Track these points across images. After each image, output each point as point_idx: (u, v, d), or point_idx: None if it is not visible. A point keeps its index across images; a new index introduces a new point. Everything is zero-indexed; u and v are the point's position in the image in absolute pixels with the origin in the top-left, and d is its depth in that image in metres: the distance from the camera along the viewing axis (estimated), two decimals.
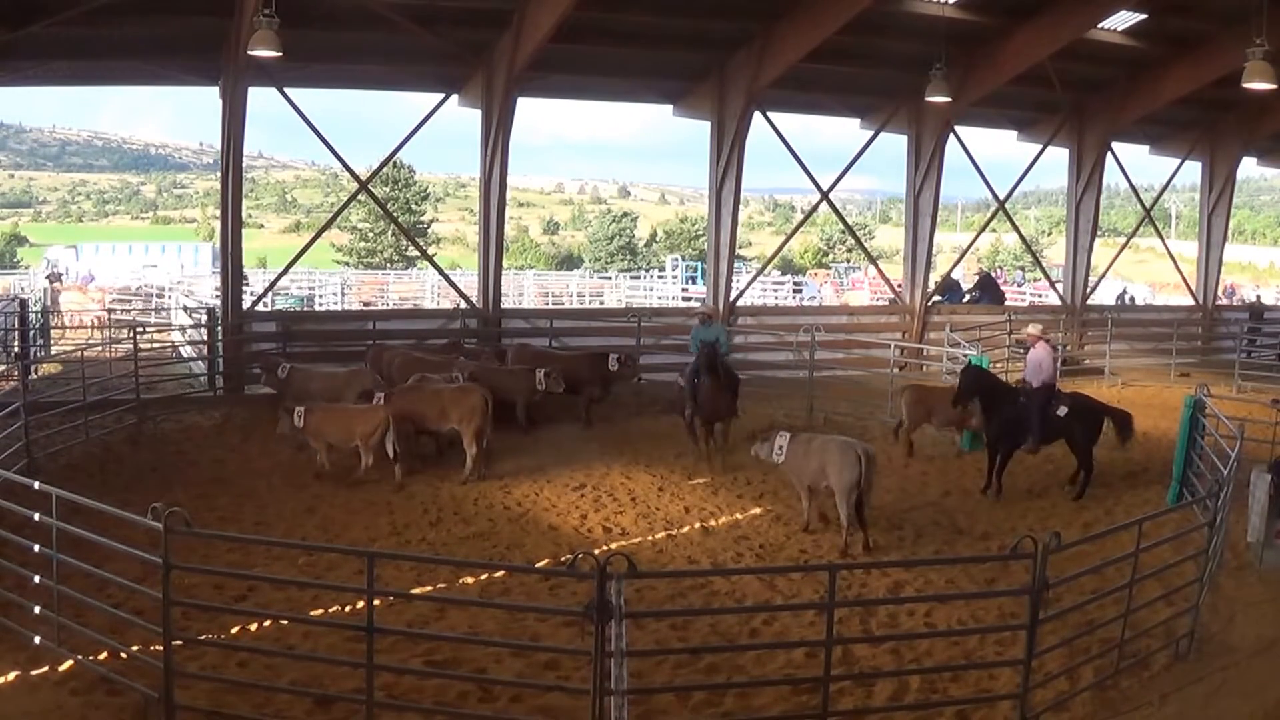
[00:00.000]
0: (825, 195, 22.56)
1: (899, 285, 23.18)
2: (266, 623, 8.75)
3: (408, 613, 9.04)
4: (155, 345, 19.26)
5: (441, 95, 19.29)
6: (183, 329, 22.50)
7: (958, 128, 22.28)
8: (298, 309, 28.19)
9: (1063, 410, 13.20)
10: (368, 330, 19.83)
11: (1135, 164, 26.08)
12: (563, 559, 10.00)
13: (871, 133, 22.40)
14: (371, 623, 7.18)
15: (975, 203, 76.18)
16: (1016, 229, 29.30)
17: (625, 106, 27.45)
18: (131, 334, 16.85)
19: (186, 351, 20.55)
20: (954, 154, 22.51)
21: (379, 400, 13.56)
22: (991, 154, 25.03)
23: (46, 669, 7.81)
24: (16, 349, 18.80)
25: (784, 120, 21.20)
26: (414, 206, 61.03)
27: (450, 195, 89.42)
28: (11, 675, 7.72)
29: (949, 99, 19.66)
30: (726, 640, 8.83)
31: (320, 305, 31.79)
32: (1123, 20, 19.67)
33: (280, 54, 14.94)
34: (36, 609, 8.16)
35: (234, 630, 8.70)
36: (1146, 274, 53.37)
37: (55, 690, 7.58)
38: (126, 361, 16.62)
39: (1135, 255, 49.61)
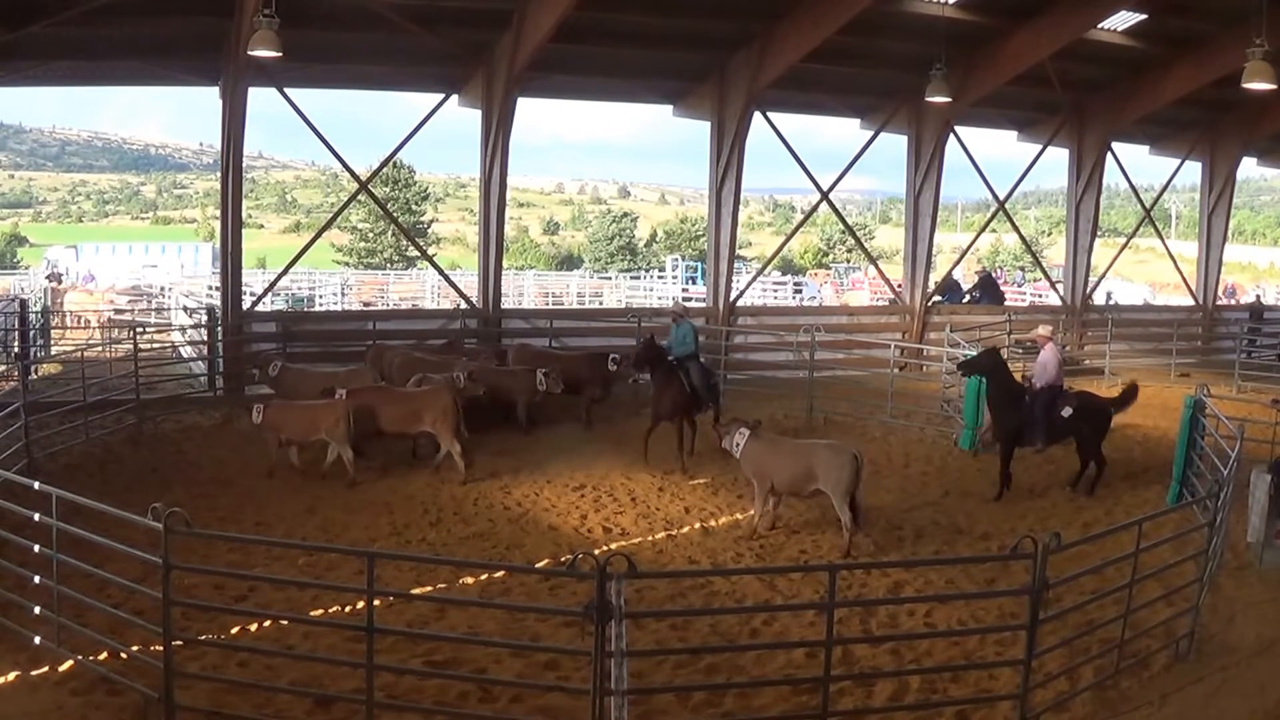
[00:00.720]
0: (825, 195, 22.56)
1: (899, 285, 23.18)
2: (266, 623, 8.74)
3: (408, 613, 9.04)
4: (155, 345, 19.25)
5: (441, 95, 19.30)
6: (183, 329, 22.51)
7: (958, 128, 22.28)
8: (298, 309, 28.19)
9: (1067, 411, 13.27)
10: (368, 330, 19.83)
11: (1135, 164, 26.15)
12: (563, 559, 10.01)
13: (871, 133, 22.40)
14: (371, 623, 7.17)
15: (975, 203, 76.21)
16: (1016, 229, 29.29)
17: (625, 106, 27.49)
18: (131, 334, 16.85)
19: (186, 352, 20.56)
20: (954, 154, 22.57)
21: (339, 395, 13.60)
22: (991, 154, 25.07)
23: (46, 669, 7.81)
24: (16, 349, 18.79)
25: (784, 120, 21.26)
26: (414, 207, 61.05)
27: (450, 195, 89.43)
28: (11, 675, 7.72)
29: (949, 99, 19.66)
30: (726, 640, 8.82)
31: (320, 305, 31.80)
32: (1123, 20, 19.67)
33: (280, 54, 14.94)
34: (36, 609, 8.16)
35: (234, 630, 8.69)
36: (1146, 274, 53.40)
37: (55, 690, 7.58)
38: (126, 362, 16.62)
39: (1135, 255, 49.64)
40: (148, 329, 20.59)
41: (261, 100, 17.68)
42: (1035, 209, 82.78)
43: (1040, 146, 23.92)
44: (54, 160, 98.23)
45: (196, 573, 8.53)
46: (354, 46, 17.97)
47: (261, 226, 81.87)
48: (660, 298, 36.93)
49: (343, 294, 33.11)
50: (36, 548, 8.33)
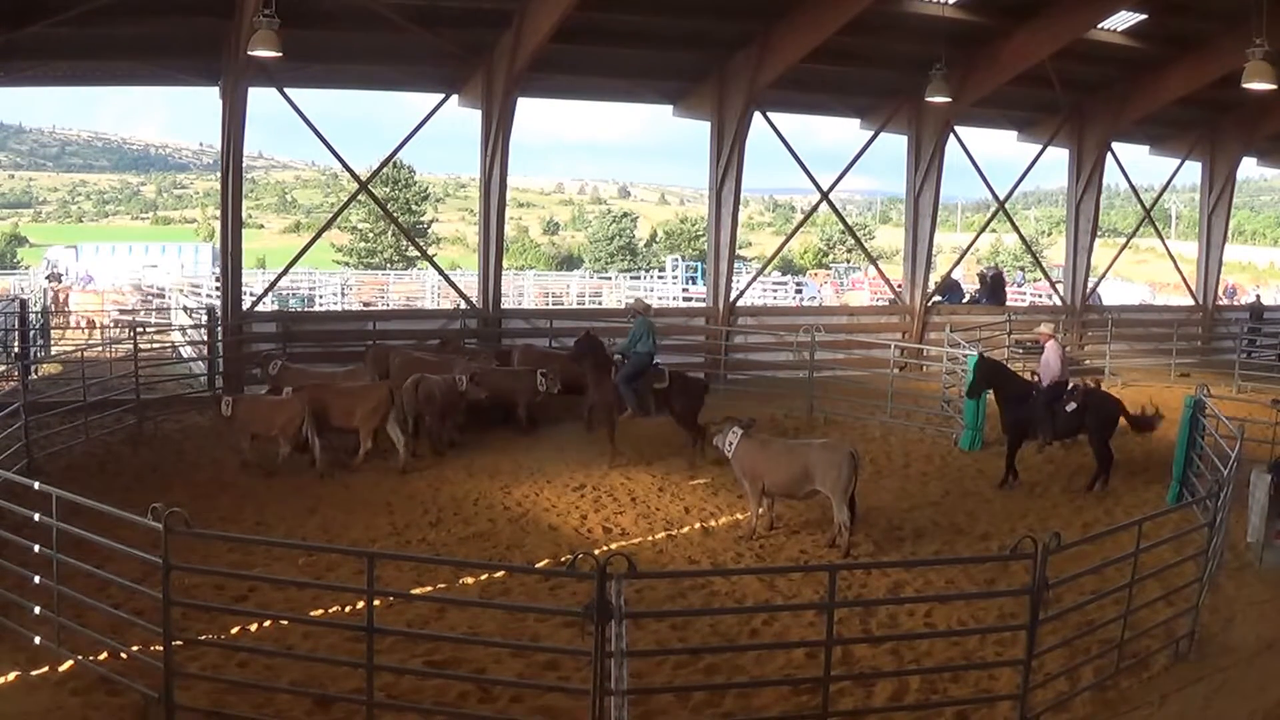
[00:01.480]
0: (825, 195, 22.55)
1: (899, 285, 23.18)
2: (266, 623, 8.74)
3: (408, 613, 9.03)
4: (155, 345, 19.25)
5: (441, 95, 19.28)
6: (183, 329, 22.50)
7: (958, 128, 22.27)
8: (298, 309, 28.19)
9: (1072, 406, 13.43)
10: (368, 330, 19.83)
11: (1135, 164, 26.12)
12: (563, 559, 10.01)
13: (871, 133, 22.38)
14: (371, 623, 7.18)
15: (975, 203, 76.35)
16: (1016, 229, 29.29)
17: (625, 106, 27.46)
18: (131, 334, 16.84)
19: (186, 352, 20.55)
20: (954, 154, 22.54)
21: (286, 394, 13.85)
22: (991, 154, 25.06)
23: (46, 669, 7.81)
24: (16, 349, 18.78)
25: (784, 120, 21.23)
26: (414, 207, 61.09)
27: (450, 195, 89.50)
28: (11, 675, 7.72)
29: (949, 99, 19.66)
30: (726, 640, 8.82)
31: (320, 305, 31.80)
32: (1123, 20, 19.66)
33: (280, 54, 14.92)
34: (36, 609, 8.16)
35: (234, 630, 8.70)
36: (1146, 274, 53.40)
37: (55, 690, 7.57)
38: (126, 362, 16.61)
39: (1135, 255, 49.65)
40: (148, 329, 20.59)
41: (261, 100, 17.72)
42: (1035, 209, 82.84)
43: (1040, 146, 23.90)
44: (54, 160, 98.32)
45: (196, 573, 8.51)
46: (354, 46, 17.95)
47: (261, 226, 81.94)
48: (660, 297, 36.94)
49: (343, 294, 33.12)
50: (36, 548, 8.33)
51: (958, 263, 28.57)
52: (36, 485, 8.41)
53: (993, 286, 25.23)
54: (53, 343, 21.81)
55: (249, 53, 15.04)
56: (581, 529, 11.80)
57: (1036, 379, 14.10)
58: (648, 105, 22.03)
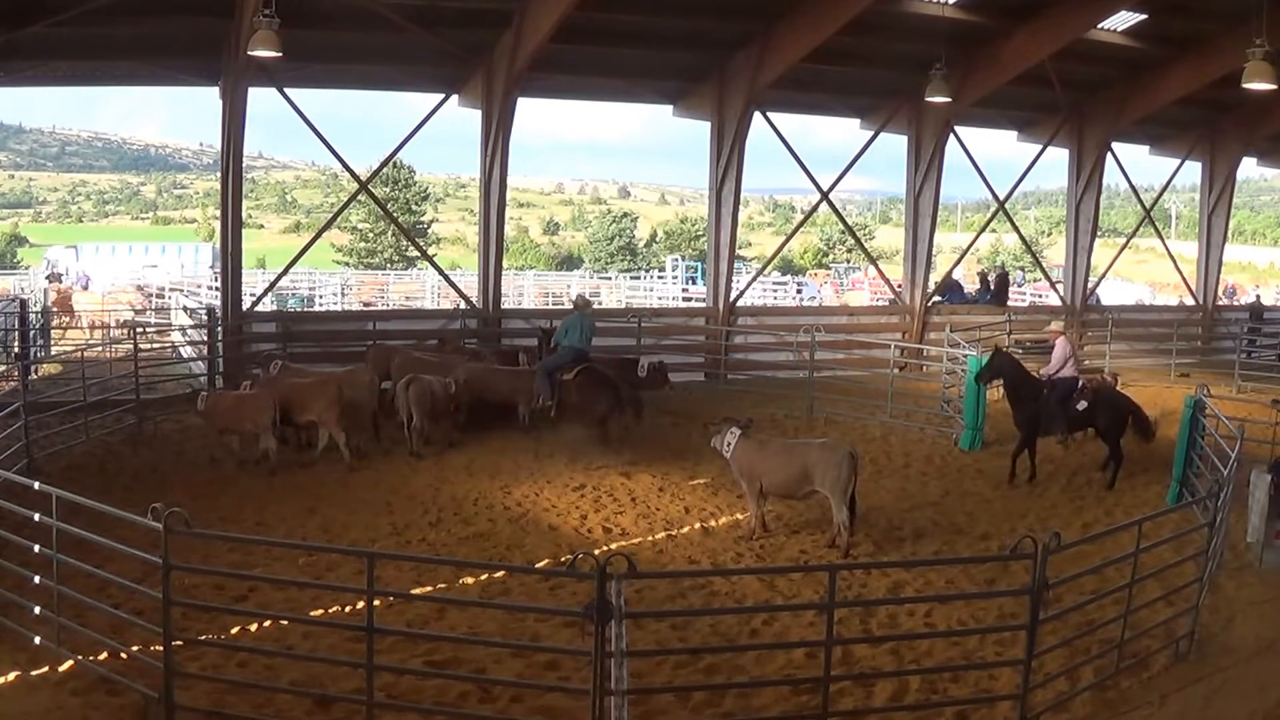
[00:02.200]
0: (825, 195, 22.55)
1: (899, 286, 23.18)
2: (266, 623, 8.74)
3: (408, 613, 9.03)
4: (155, 345, 19.25)
5: (441, 95, 19.28)
6: (183, 329, 22.50)
7: (958, 128, 22.27)
8: (297, 309, 28.19)
9: (1083, 405, 13.66)
10: (368, 330, 19.82)
11: (1135, 164, 26.13)
12: (563, 559, 10.01)
13: (871, 133, 22.38)
14: (371, 623, 7.18)
15: (975, 203, 76.38)
16: (1016, 229, 29.29)
17: (625, 106, 27.45)
18: (131, 334, 16.84)
19: (187, 352, 20.55)
20: (954, 154, 22.54)
21: (245, 387, 14.03)
22: (991, 154, 25.05)
23: (46, 669, 7.81)
24: (16, 349, 18.79)
25: (784, 120, 21.22)
26: (414, 207, 61.15)
27: (450, 195, 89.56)
28: (11, 675, 7.72)
29: (949, 99, 19.66)
30: (726, 640, 8.82)
31: (320, 305, 31.80)
32: (1123, 20, 19.66)
33: (280, 54, 14.93)
34: (36, 609, 8.16)
35: (234, 630, 8.69)
36: (1146, 274, 53.42)
37: (55, 690, 7.57)
38: (126, 362, 16.61)
39: (1135, 255, 49.67)
40: (148, 329, 20.59)
41: (261, 100, 17.70)
42: (1035, 209, 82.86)
43: (1040, 146, 23.89)
44: (54, 160, 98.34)
45: (196, 573, 8.51)
46: (354, 46, 17.95)
47: (261, 226, 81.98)
48: (660, 298, 36.95)
49: (342, 294, 33.12)
50: (36, 548, 8.33)
51: (957, 262, 28.55)
52: (36, 485, 8.41)
53: (997, 286, 25.22)
54: (53, 343, 21.80)
55: (249, 53, 15.04)
56: (581, 529, 11.80)
57: (1045, 377, 14.24)
58: (648, 105, 22.05)
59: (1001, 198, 23.85)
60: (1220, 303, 27.71)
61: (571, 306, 15.76)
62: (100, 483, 12.31)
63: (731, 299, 21.20)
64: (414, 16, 17.12)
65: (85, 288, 32.87)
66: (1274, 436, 13.76)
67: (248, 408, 13.54)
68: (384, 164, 30.24)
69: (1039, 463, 13.99)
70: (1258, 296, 34.56)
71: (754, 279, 26.34)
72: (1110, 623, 8.32)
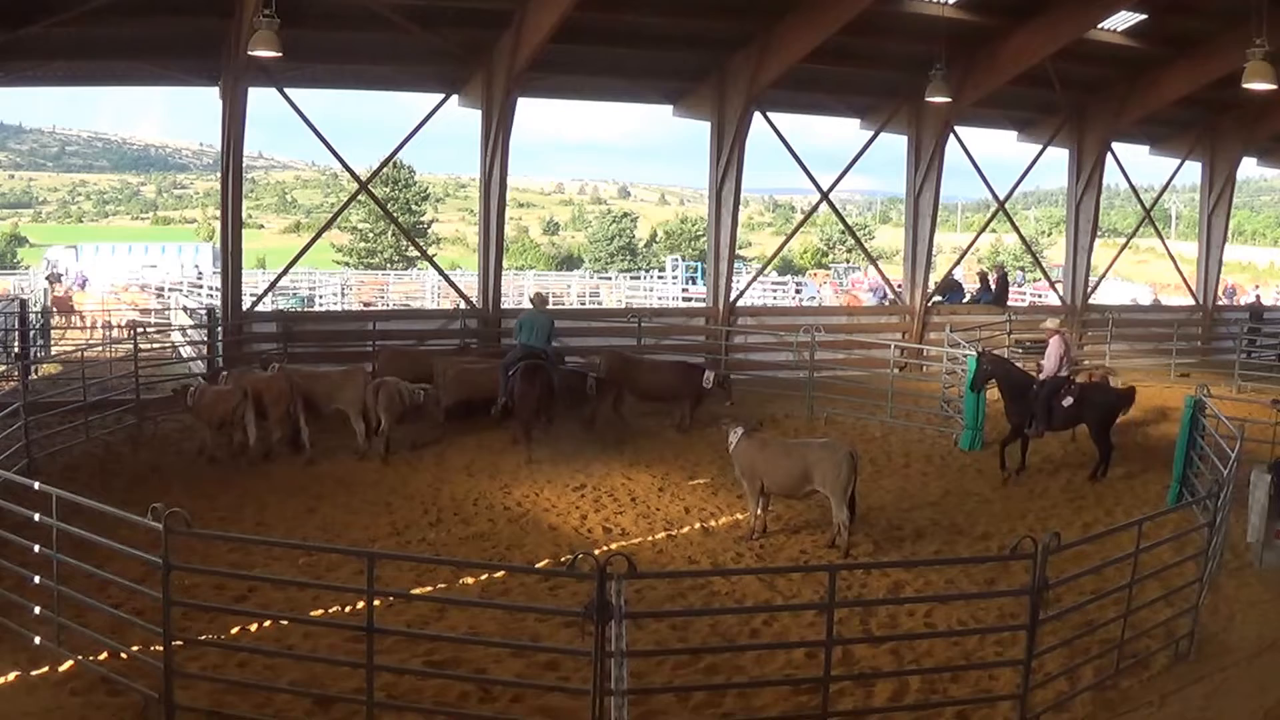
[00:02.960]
0: (825, 195, 22.55)
1: (899, 286, 23.18)
2: (266, 623, 8.74)
3: (408, 613, 9.04)
4: (155, 345, 19.24)
5: (441, 95, 19.27)
6: (183, 329, 22.49)
7: (958, 128, 22.25)
8: (297, 309, 28.19)
9: (1069, 401, 13.76)
10: (368, 330, 19.82)
11: (1135, 164, 26.09)
12: (563, 559, 10.01)
13: (871, 133, 22.38)
14: (371, 623, 7.18)
15: (975, 203, 76.42)
16: (1016, 229, 29.28)
17: (625, 106, 27.40)
18: (131, 334, 16.84)
19: (187, 352, 20.54)
20: (954, 154, 22.51)
21: (223, 380, 14.26)
22: (991, 154, 25.01)
23: (46, 669, 7.81)
24: (17, 349, 18.78)
25: (784, 120, 21.21)
26: (414, 207, 61.17)
27: (450, 195, 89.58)
28: (11, 675, 7.72)
29: (949, 99, 19.66)
30: (726, 641, 8.82)
31: (320, 305, 31.79)
32: (1123, 20, 19.65)
33: (280, 54, 14.93)
34: (36, 609, 8.16)
35: (234, 630, 8.69)
36: (1146, 274, 53.41)
37: (55, 690, 7.57)
38: (126, 362, 16.61)
39: (1135, 255, 49.68)
40: (148, 329, 20.58)
41: (261, 100, 17.68)
42: (1035, 209, 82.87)
43: (1040, 146, 23.88)
44: (54, 160, 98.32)
45: (196, 573, 8.52)
46: (354, 46, 17.95)
47: (261, 226, 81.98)
48: (660, 298, 36.94)
49: (342, 294, 33.12)
50: (36, 548, 8.33)
51: (957, 262, 28.55)
52: (36, 485, 8.41)
53: (999, 284, 25.19)
54: (53, 343, 21.80)
55: (249, 53, 15.04)
56: (581, 529, 11.80)
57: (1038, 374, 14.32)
58: (648, 105, 22.01)
59: (1001, 198, 23.84)
60: (1220, 303, 27.70)
61: (530, 305, 15.75)
62: (100, 483, 12.32)
63: (731, 299, 21.20)
64: (414, 16, 17.12)
65: (82, 287, 32.87)
66: (1274, 436, 13.76)
67: (221, 402, 13.70)
68: (384, 164, 30.22)
69: (1034, 465, 14.02)
70: (1258, 296, 34.54)
71: (754, 279, 26.34)
72: (1110, 623, 8.32)
